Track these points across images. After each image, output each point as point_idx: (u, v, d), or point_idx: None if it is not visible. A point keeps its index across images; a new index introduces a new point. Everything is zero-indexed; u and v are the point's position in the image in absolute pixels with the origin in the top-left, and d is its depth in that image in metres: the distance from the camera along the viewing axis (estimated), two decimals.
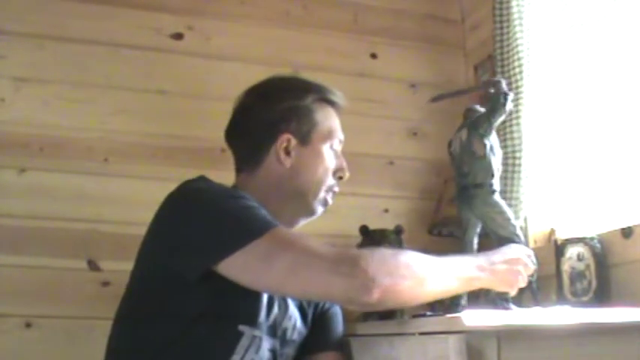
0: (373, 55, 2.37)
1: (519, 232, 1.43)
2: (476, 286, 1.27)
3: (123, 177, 2.00)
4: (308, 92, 1.43)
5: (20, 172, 1.93)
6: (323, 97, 1.45)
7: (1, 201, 1.90)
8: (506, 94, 1.43)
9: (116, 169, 2.01)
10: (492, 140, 1.44)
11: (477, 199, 1.43)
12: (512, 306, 1.36)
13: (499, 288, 1.32)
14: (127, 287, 1.33)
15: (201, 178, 1.33)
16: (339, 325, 1.51)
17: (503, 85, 1.45)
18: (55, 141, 1.98)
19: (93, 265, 1.94)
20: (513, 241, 1.39)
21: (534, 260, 1.38)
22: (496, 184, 1.43)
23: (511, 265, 1.30)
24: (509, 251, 1.33)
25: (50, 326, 1.87)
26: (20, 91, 1.97)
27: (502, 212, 1.41)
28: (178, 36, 2.15)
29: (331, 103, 1.46)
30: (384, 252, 1.18)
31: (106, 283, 1.92)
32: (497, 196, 1.43)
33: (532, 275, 1.40)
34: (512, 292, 1.34)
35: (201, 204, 1.24)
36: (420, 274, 1.17)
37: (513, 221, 1.42)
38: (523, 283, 1.32)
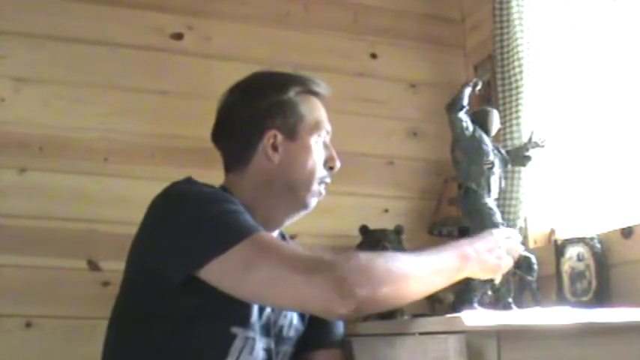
0: (373, 55, 2.37)
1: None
2: (460, 277, 1.26)
3: (123, 177, 2.01)
4: (290, 85, 1.40)
5: (20, 172, 1.93)
6: (306, 88, 1.42)
7: (1, 201, 1.90)
8: (456, 99, 1.42)
9: (116, 169, 2.01)
10: (469, 144, 1.42)
11: (464, 202, 1.42)
12: (476, 306, 1.35)
13: (483, 276, 1.30)
14: (119, 288, 1.33)
15: (188, 180, 1.31)
16: (339, 322, 1.50)
17: (465, 88, 1.43)
18: (55, 141, 1.98)
19: (93, 265, 1.94)
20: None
21: (519, 238, 1.36)
22: (479, 186, 1.40)
23: (492, 250, 1.28)
24: (490, 237, 1.31)
25: (50, 326, 1.88)
26: (20, 91, 1.97)
27: (481, 214, 1.39)
28: (178, 36, 2.15)
29: (315, 94, 1.43)
30: (361, 258, 1.14)
31: (106, 283, 1.92)
32: (482, 199, 1.40)
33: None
34: (497, 279, 1.33)
35: (183, 209, 1.22)
36: (401, 278, 1.15)
37: (495, 220, 1.40)
38: (507, 267, 1.31)
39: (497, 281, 1.34)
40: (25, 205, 1.92)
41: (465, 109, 1.41)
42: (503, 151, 1.50)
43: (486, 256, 1.27)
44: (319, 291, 1.09)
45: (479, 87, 1.46)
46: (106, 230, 1.95)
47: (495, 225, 1.38)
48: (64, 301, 1.90)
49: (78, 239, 1.94)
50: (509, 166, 1.54)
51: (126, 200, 1.97)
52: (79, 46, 2.05)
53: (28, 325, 1.86)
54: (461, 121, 1.41)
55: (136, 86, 2.08)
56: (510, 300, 1.38)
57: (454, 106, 1.41)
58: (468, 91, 1.43)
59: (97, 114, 2.03)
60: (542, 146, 1.51)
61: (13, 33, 1.99)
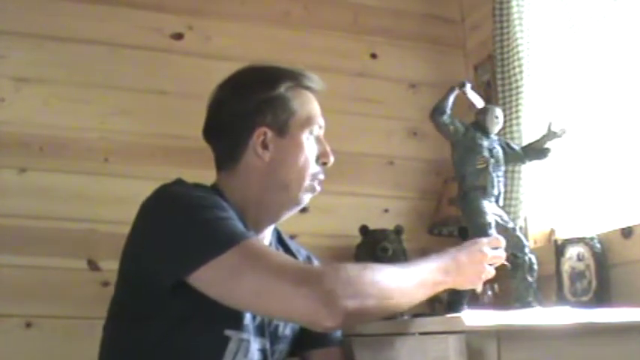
0: (373, 55, 2.37)
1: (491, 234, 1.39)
2: (441, 289, 1.25)
3: (122, 177, 2.01)
4: (281, 80, 1.36)
5: (20, 172, 1.93)
6: (298, 83, 1.38)
7: (1, 201, 1.90)
8: (438, 104, 1.42)
9: (116, 169, 2.01)
10: (462, 145, 1.41)
11: (461, 203, 1.42)
12: (466, 307, 1.35)
13: (464, 287, 1.30)
14: (114, 289, 1.32)
15: (177, 182, 1.30)
16: None
17: (450, 92, 1.44)
18: (55, 141, 1.98)
19: (93, 265, 1.94)
20: (482, 235, 1.36)
21: (503, 243, 1.33)
22: (474, 186, 1.40)
23: (475, 261, 1.27)
24: (473, 246, 1.29)
25: (50, 326, 1.88)
26: (20, 91, 1.97)
27: (474, 215, 1.38)
28: (178, 36, 2.16)
29: (307, 89, 1.40)
30: (349, 271, 1.13)
31: (106, 283, 1.92)
32: (478, 199, 1.39)
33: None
34: (478, 289, 1.32)
35: (173, 214, 1.21)
36: (387, 291, 1.14)
37: (484, 222, 1.39)
38: (490, 276, 1.31)
39: (479, 290, 1.34)
40: (25, 205, 1.92)
41: (447, 114, 1.41)
42: (516, 147, 1.48)
43: (468, 268, 1.26)
44: (306, 303, 1.08)
45: (467, 87, 1.46)
46: (106, 230, 1.95)
47: (483, 227, 1.36)
48: (64, 301, 1.90)
49: (78, 239, 1.94)
50: (521, 163, 1.53)
51: (126, 200, 1.95)
52: (79, 46, 2.05)
53: (28, 325, 1.86)
54: (445, 124, 1.41)
55: (135, 86, 2.08)
56: (531, 299, 1.37)
57: (436, 111, 1.42)
58: (453, 94, 1.43)
59: (97, 114, 2.03)
60: (561, 136, 1.48)
61: (13, 33, 1.99)
